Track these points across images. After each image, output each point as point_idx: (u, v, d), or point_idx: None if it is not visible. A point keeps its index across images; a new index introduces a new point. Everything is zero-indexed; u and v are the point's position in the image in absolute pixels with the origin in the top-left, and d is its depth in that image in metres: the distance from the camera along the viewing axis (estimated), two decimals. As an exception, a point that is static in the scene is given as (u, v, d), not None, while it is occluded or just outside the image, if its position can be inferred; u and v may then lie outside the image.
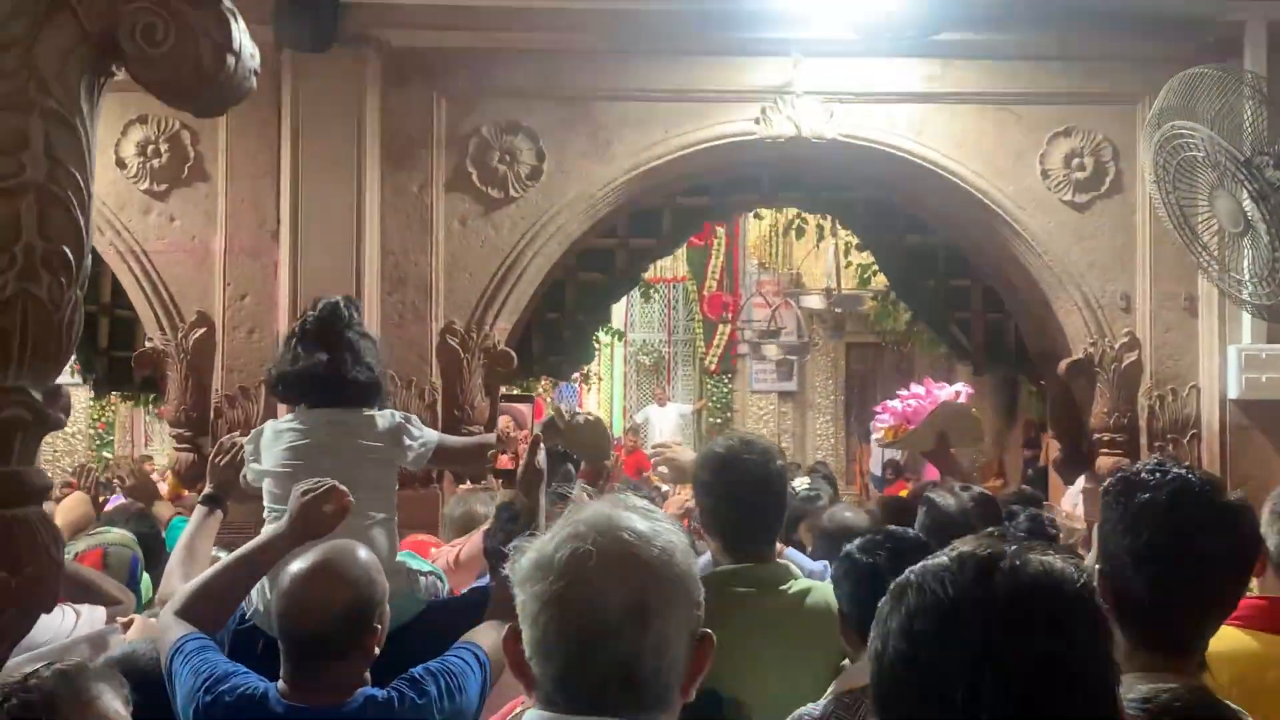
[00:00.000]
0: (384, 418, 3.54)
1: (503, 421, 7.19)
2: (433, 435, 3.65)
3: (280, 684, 2.65)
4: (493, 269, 6.14)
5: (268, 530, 3.14)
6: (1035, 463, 13.22)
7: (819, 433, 18.96)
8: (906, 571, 1.37)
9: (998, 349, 6.83)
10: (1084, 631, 1.30)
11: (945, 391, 4.67)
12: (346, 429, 3.45)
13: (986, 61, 6.19)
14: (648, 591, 1.48)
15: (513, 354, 6.19)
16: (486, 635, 2.92)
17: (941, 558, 1.35)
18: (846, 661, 2.85)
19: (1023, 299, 6.56)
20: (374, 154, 6.03)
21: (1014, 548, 1.34)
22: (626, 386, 20.76)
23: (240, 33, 1.41)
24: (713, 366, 19.62)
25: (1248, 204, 4.85)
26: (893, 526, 3.14)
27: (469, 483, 6.24)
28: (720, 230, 18.18)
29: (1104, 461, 6.09)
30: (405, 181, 6.12)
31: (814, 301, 15.04)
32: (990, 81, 6.20)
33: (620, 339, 18.36)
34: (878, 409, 4.82)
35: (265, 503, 3.46)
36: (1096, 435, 6.17)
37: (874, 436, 4.96)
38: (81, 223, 1.38)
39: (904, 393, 4.74)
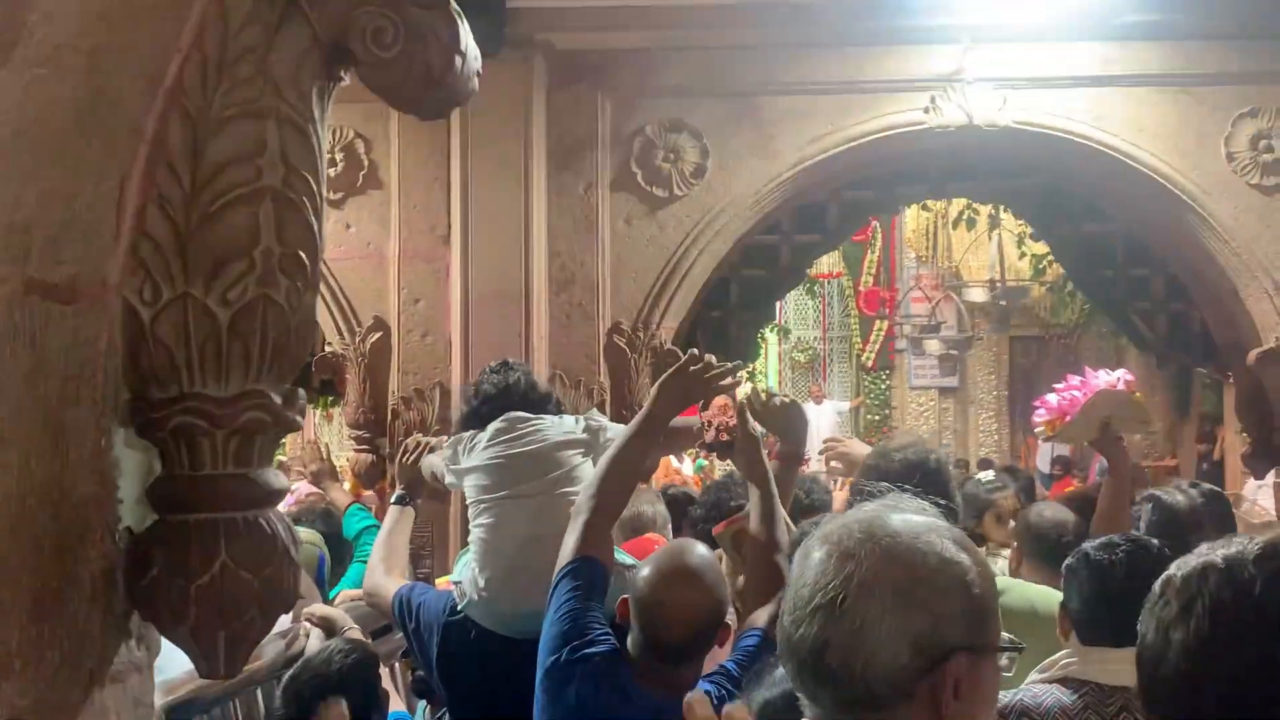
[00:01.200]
0: (576, 417, 3.59)
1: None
2: (619, 426, 3.65)
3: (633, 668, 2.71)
4: (658, 268, 6.16)
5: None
6: (1210, 457, 12.76)
7: (982, 429, 18.55)
8: (1183, 569, 1.33)
9: (1182, 340, 6.58)
10: None
11: (1104, 379, 4.49)
12: (547, 425, 3.49)
13: (1166, 42, 5.96)
14: (849, 587, 1.44)
15: (679, 352, 6.15)
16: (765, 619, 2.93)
17: (1230, 552, 1.30)
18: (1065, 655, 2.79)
19: (1208, 287, 6.30)
20: (540, 156, 6.09)
21: None
22: (781, 384, 20.64)
23: (466, 34, 1.41)
24: (870, 363, 19.37)
25: None
26: (1134, 534, 3.05)
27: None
28: (876, 224, 17.96)
29: (1297, 454, 5.82)
30: (571, 183, 6.17)
31: (976, 294, 14.72)
32: (1170, 63, 5.97)
33: (785, 335, 18.26)
34: (1037, 403, 4.66)
35: (471, 499, 3.50)
36: (1288, 427, 5.91)
37: (1035, 431, 4.79)
38: (315, 227, 1.40)
39: (1061, 385, 4.58)
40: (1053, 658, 2.81)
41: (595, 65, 6.16)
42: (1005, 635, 1.52)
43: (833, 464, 4.36)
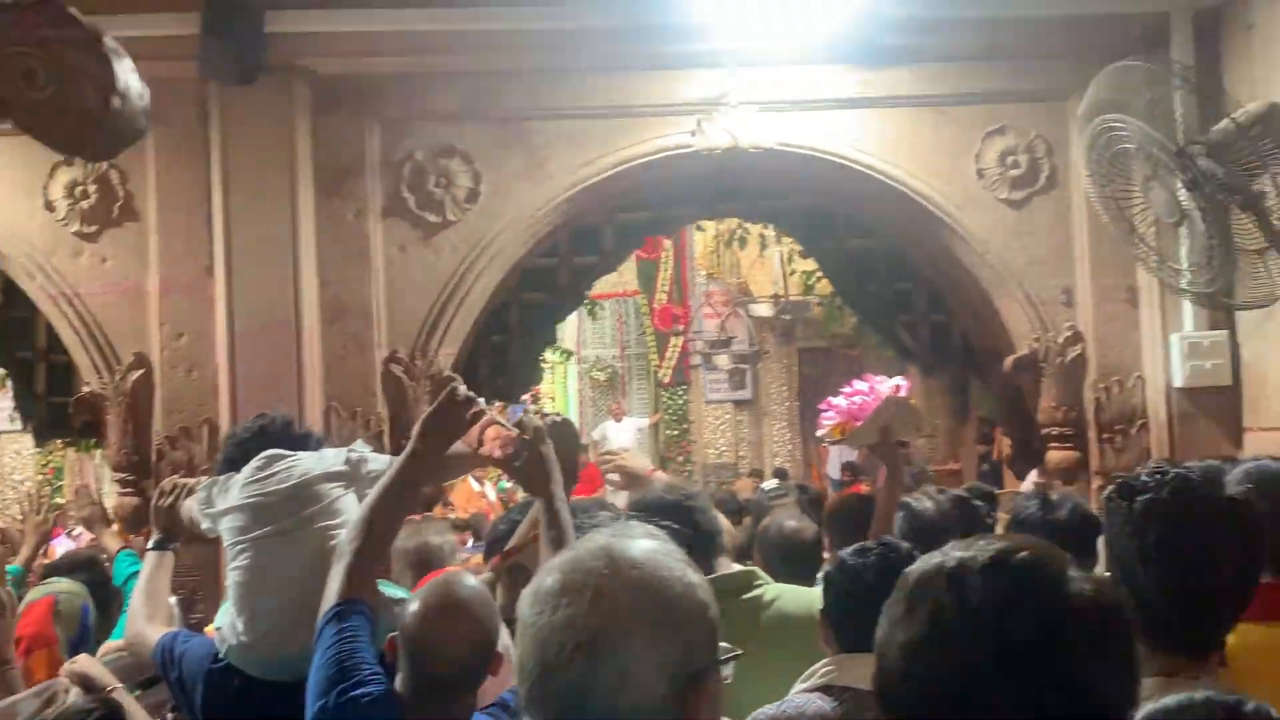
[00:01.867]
0: (337, 450, 3.47)
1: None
2: (383, 457, 3.57)
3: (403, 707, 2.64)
4: (434, 295, 6.09)
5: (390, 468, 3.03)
6: (989, 458, 13.29)
7: (775, 439, 18.95)
8: (917, 569, 1.39)
9: (944, 349, 6.84)
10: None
11: (887, 385, 4.66)
12: (305, 460, 3.38)
13: (917, 65, 6.20)
14: (609, 626, 1.43)
15: (458, 379, 6.10)
16: None
17: (964, 555, 1.37)
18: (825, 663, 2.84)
19: (966, 298, 6.58)
20: (307, 183, 5.96)
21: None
22: (581, 404, 20.70)
23: (126, 72, 1.36)
24: (666, 379, 19.59)
25: (1182, 193, 4.87)
26: (886, 538, 3.14)
27: (419, 513, 6.16)
28: (668, 243, 18.20)
29: (1053, 455, 6.12)
30: (340, 210, 6.06)
31: (762, 309, 15.07)
32: (922, 84, 6.22)
33: (569, 358, 18.29)
34: (823, 406, 4.79)
35: (228, 541, 3.37)
36: (1045, 430, 6.19)
37: (819, 433, 4.93)
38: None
39: (848, 389, 4.72)
40: (813, 667, 2.87)
41: (361, 90, 6.07)
42: (723, 645, 1.56)
43: (611, 476, 4.38)
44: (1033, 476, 6.65)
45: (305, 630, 2.83)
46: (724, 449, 19.19)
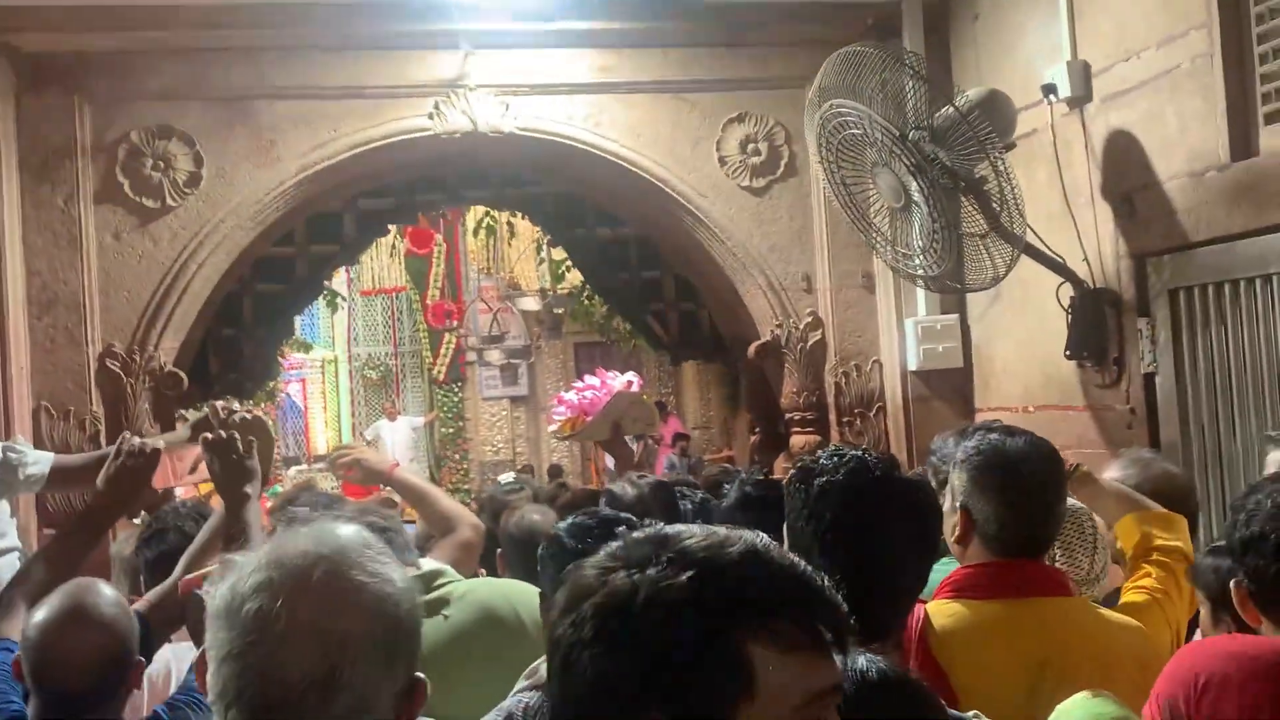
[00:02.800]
0: None
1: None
2: (45, 455, 3.26)
3: None
4: (153, 285, 5.72)
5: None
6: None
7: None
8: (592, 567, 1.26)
9: (692, 338, 6.83)
10: None
11: (619, 381, 4.60)
12: None
13: (658, 50, 6.15)
14: (342, 660, 1.34)
15: (182, 375, 5.78)
16: None
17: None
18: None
19: (712, 286, 6.57)
20: (11, 167, 5.53)
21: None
22: (354, 403, 20.21)
23: None
24: (441, 376, 19.30)
25: (907, 178, 4.93)
26: (604, 510, 3.04)
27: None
28: (439, 238, 17.90)
29: (797, 440, 6.16)
30: (49, 195, 5.63)
31: (530, 303, 14.94)
32: (663, 70, 6.16)
33: (308, 351, 17.80)
34: (555, 400, 4.70)
35: None
36: (789, 415, 6.23)
37: (550, 429, 4.85)
38: None
39: (579, 384, 4.64)
40: (534, 664, 2.73)
41: (70, 68, 5.65)
42: None
43: (343, 474, 4.17)
44: (779, 462, 6.70)
45: None
46: (501, 446, 19.03)
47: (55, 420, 5.56)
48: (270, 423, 3.16)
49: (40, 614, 2.46)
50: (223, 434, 2.99)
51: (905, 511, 2.14)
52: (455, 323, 18.50)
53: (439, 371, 19.27)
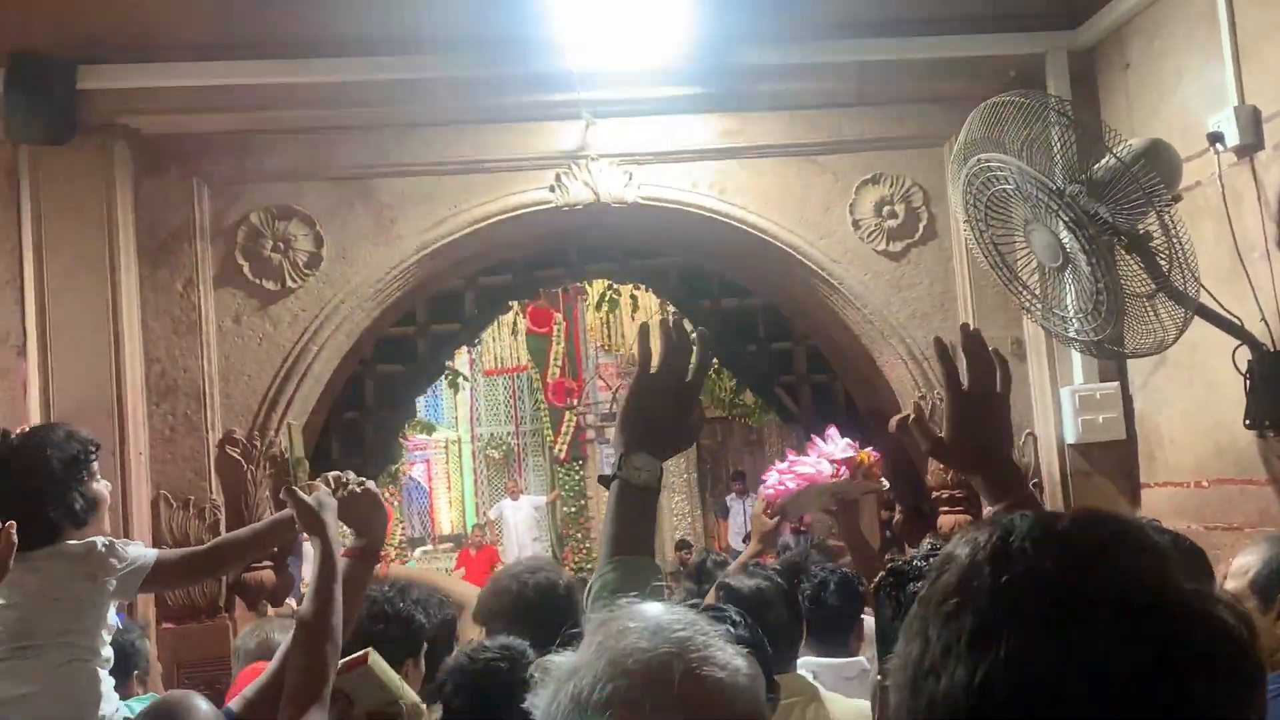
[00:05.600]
0: (73, 550, 2.94)
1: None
2: (145, 554, 3.05)
3: None
4: (274, 369, 5.58)
5: None
6: (891, 524, 13.00)
7: (676, 511, 18.57)
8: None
9: (827, 411, 6.46)
10: None
11: (836, 447, 4.37)
12: (23, 569, 2.85)
13: (786, 112, 5.88)
14: None
15: (304, 460, 5.60)
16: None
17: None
18: None
19: (847, 356, 6.23)
20: (129, 251, 5.45)
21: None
22: (477, 483, 20.17)
23: None
24: (562, 455, 19.18)
25: (1065, 235, 4.56)
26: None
27: (268, 609, 5.62)
28: (559, 317, 17.85)
29: (945, 520, 5.76)
30: (168, 280, 5.54)
31: (651, 379, 14.65)
32: (791, 132, 5.89)
33: (431, 432, 17.77)
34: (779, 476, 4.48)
35: None
36: (935, 494, 5.84)
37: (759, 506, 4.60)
38: None
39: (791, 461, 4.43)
40: None
41: (188, 149, 5.58)
42: None
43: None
44: (926, 544, 6.28)
45: None
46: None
47: (174, 509, 5.43)
48: (383, 494, 3.02)
49: None
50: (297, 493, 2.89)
51: None
52: (575, 400, 18.36)
53: (560, 450, 19.15)
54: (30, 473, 2.84)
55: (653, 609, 1.33)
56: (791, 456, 4.68)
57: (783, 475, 4.54)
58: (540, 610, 3.13)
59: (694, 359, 2.02)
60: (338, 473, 3.05)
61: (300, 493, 2.89)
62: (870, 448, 4.65)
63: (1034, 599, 0.90)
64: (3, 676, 2.73)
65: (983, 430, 1.97)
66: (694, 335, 2.05)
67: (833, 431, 4.72)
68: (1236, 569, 3.38)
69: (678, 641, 1.25)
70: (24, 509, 2.75)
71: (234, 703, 2.63)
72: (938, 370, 5.09)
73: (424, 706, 3.10)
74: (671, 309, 6.77)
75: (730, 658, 1.26)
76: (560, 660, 1.28)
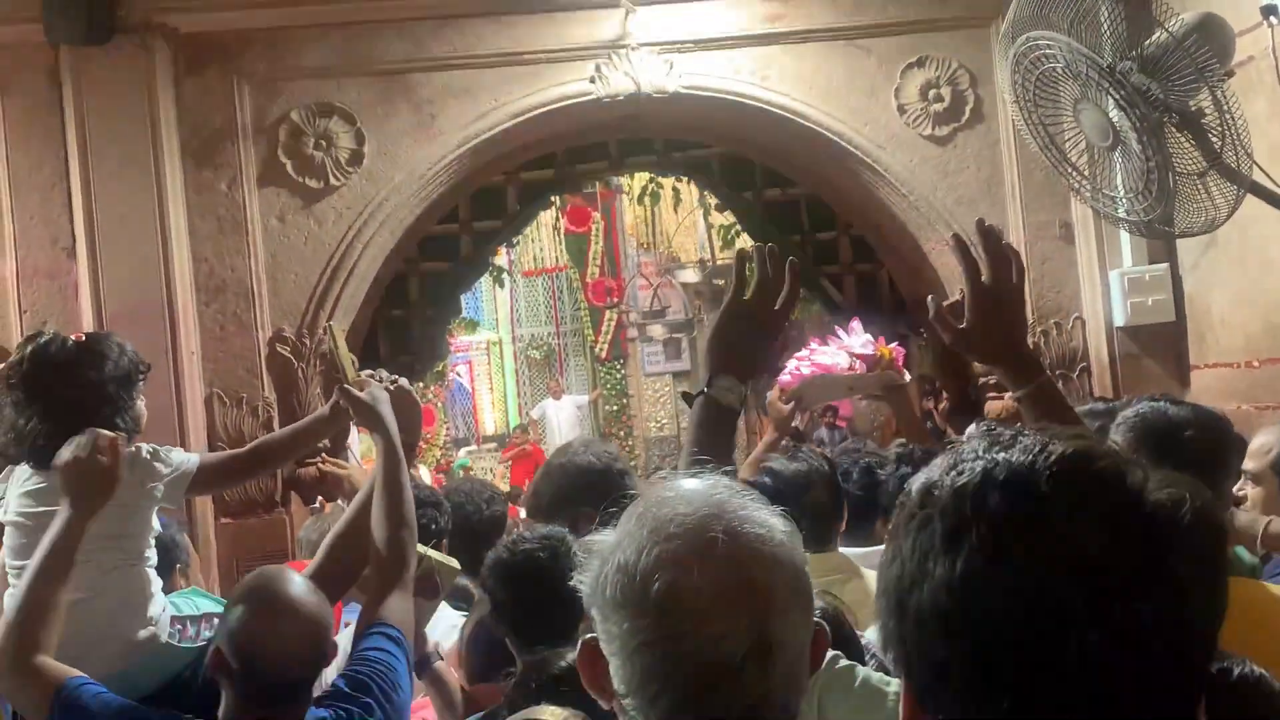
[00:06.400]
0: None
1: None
2: (189, 458, 3.09)
3: None
4: (320, 267, 5.61)
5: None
6: (931, 416, 13.00)
7: (717, 407, 18.62)
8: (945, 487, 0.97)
9: (873, 300, 6.44)
10: None
11: (857, 340, 4.38)
12: None
13: (828, -5, 5.78)
14: (771, 621, 1.24)
15: (353, 358, 5.64)
16: (394, 609, 2.68)
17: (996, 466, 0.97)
18: None
19: (892, 245, 6.19)
20: (173, 152, 5.47)
21: None
22: (519, 383, 20.30)
23: None
24: (603, 354, 19.23)
25: (1115, 114, 4.48)
26: None
27: (324, 505, 5.71)
28: (597, 215, 17.77)
29: (993, 406, 5.74)
30: (212, 179, 5.56)
31: (690, 275, 14.63)
32: (835, 16, 5.80)
33: (474, 331, 17.84)
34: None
35: (5, 559, 2.91)
36: (982, 379, 5.82)
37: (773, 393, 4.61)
38: None
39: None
40: None
41: (228, 48, 5.57)
42: None
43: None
44: (972, 429, 6.29)
45: None
46: (665, 422, 18.83)
47: (228, 407, 5.51)
48: (429, 394, 3.16)
49: (240, 611, 2.41)
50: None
51: None
52: (616, 300, 18.36)
53: (601, 349, 19.20)
54: (91, 380, 2.86)
55: (689, 481, 1.36)
56: (814, 345, 4.70)
57: (799, 362, 4.57)
58: (593, 490, 3.16)
59: (785, 289, 2.07)
60: (371, 371, 3.12)
61: (355, 391, 2.94)
62: (896, 343, 4.67)
63: (998, 493, 0.92)
64: None
65: (1003, 322, 2.05)
66: (787, 265, 2.09)
67: (856, 324, 4.73)
68: (1257, 448, 3.37)
69: (716, 504, 1.28)
70: (83, 414, 2.79)
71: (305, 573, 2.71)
72: (980, 255, 5.11)
73: (455, 564, 3.21)
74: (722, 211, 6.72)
75: (767, 516, 1.29)
76: (602, 539, 1.31)
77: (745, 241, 8.06)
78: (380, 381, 3.01)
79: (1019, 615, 0.89)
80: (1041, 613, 0.88)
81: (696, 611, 1.22)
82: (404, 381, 3.08)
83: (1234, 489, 3.38)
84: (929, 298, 2.25)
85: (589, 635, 1.30)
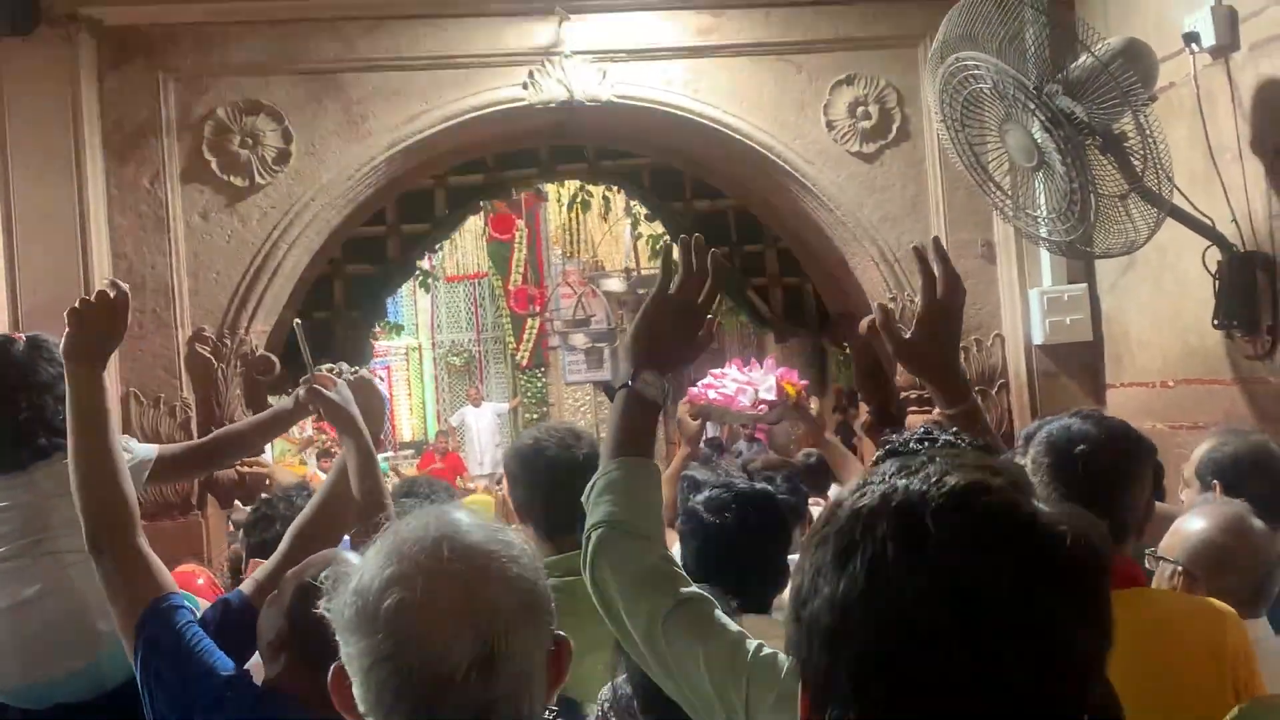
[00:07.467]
0: None
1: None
2: (147, 448, 3.06)
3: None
4: (243, 266, 5.53)
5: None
6: (847, 428, 13.15)
7: (635, 417, 18.64)
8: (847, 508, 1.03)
9: (797, 313, 6.51)
10: None
11: (765, 377, 4.41)
12: (35, 473, 2.88)
13: (761, 10, 5.82)
14: (495, 634, 1.31)
15: (274, 359, 5.59)
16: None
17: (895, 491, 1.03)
18: None
19: (818, 259, 6.25)
20: (94, 146, 5.36)
21: None
22: (439, 390, 20.18)
23: None
24: (524, 361, 19.19)
25: (1039, 135, 4.57)
26: (739, 483, 3.01)
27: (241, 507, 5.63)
28: (521, 223, 17.73)
29: (914, 420, 5.81)
30: (134, 175, 5.46)
31: (614, 284, 14.64)
32: (766, 31, 5.83)
33: (399, 334, 17.72)
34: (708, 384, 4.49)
35: None
36: (904, 394, 5.90)
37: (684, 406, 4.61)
38: None
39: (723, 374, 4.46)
40: None
41: (154, 42, 5.47)
42: None
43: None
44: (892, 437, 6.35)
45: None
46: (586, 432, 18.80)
47: (145, 407, 5.40)
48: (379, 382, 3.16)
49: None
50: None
51: None
52: (538, 308, 18.32)
53: (522, 357, 19.17)
54: (49, 377, 2.86)
55: (441, 508, 1.44)
56: (734, 365, 4.72)
57: (711, 383, 4.61)
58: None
59: (709, 282, 2.09)
60: (331, 364, 3.10)
61: (326, 391, 2.91)
62: (796, 375, 4.73)
63: (886, 520, 0.97)
64: (8, 579, 2.74)
65: (948, 335, 2.15)
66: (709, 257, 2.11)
67: (769, 362, 4.77)
68: (1193, 455, 3.59)
69: (450, 525, 1.35)
70: (40, 412, 2.77)
71: (245, 585, 2.66)
72: (912, 273, 5.16)
73: None
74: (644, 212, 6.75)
75: (502, 537, 1.37)
76: (350, 559, 1.39)
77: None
78: (341, 374, 2.98)
79: (890, 637, 0.94)
80: (911, 635, 0.94)
81: (422, 626, 1.28)
82: (365, 372, 3.08)
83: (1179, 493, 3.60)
84: (875, 305, 2.30)
85: (337, 661, 1.35)
